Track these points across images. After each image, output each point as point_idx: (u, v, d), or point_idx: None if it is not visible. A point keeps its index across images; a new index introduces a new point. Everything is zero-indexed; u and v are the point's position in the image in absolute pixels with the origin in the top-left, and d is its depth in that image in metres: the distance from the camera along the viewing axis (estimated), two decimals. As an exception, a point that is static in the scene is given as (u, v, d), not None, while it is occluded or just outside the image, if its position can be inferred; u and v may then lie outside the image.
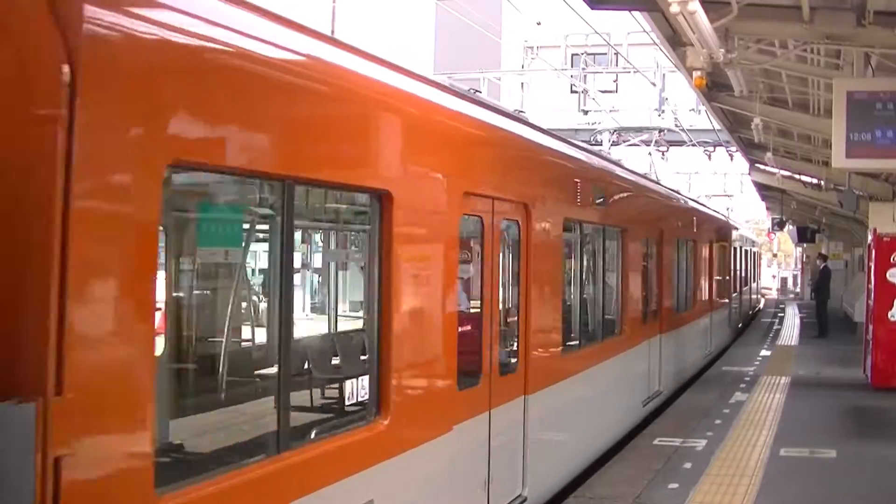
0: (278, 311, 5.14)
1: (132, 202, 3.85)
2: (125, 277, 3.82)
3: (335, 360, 6.90)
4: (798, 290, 57.05)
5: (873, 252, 16.73)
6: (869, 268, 17.36)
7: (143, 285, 3.92)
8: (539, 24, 37.68)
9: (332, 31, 21.36)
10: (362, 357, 6.41)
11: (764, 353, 23.01)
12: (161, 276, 4.56)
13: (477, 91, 9.78)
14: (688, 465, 10.62)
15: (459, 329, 7.05)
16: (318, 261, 7.72)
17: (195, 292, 5.82)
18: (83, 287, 3.59)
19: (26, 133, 3.52)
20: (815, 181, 25.48)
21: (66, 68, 3.50)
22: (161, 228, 4.13)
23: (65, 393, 3.44)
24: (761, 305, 44.86)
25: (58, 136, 3.48)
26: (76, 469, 3.47)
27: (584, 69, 29.83)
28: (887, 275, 16.26)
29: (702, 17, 8.95)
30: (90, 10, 3.65)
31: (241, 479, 4.54)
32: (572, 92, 30.75)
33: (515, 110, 10.66)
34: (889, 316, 16.27)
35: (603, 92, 30.33)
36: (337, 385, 6.42)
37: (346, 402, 6.17)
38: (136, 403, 3.86)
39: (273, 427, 4.97)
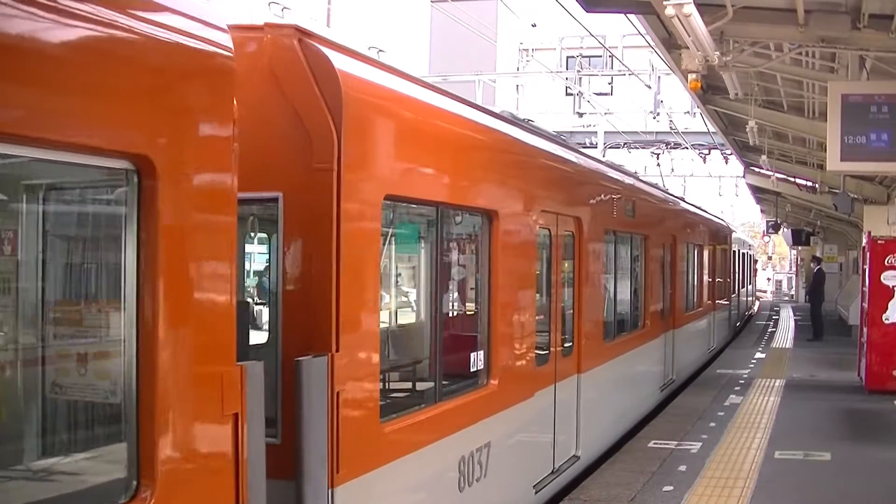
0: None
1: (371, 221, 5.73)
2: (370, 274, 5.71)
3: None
4: (793, 292, 57.14)
5: (868, 255, 16.75)
6: (863, 270, 17.39)
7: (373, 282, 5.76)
8: (534, 26, 37.65)
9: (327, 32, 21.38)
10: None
11: (759, 355, 23.02)
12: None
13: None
14: (683, 468, 10.62)
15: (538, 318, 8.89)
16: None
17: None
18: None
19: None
20: (809, 184, 25.55)
21: None
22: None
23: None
24: (756, 308, 44.90)
25: None
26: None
27: (579, 71, 29.83)
28: (882, 277, 16.28)
29: (697, 19, 8.96)
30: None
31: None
32: (567, 94, 30.78)
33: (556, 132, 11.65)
34: (883, 319, 16.28)
35: (598, 94, 30.37)
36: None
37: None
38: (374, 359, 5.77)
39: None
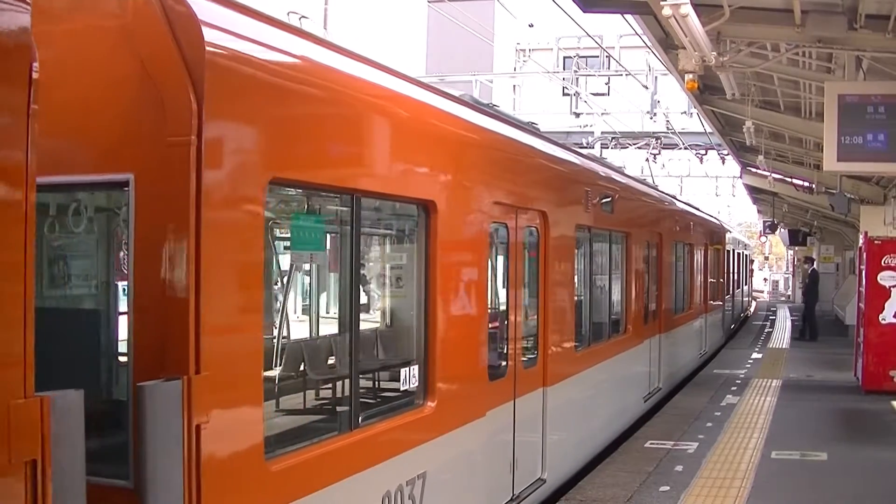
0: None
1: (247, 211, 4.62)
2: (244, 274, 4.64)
3: None
4: (789, 292, 57.19)
5: (864, 255, 16.77)
6: (860, 271, 17.41)
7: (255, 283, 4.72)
8: (531, 26, 37.70)
9: (324, 32, 21.37)
10: None
11: (755, 356, 23.04)
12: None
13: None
14: (679, 468, 10.62)
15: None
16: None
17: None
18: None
19: None
20: (806, 184, 25.55)
21: None
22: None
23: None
24: (752, 309, 44.92)
25: None
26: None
27: (576, 72, 29.83)
28: (878, 278, 16.30)
29: (694, 20, 8.95)
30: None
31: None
32: (564, 94, 30.77)
33: (529, 123, 10.66)
34: (880, 319, 16.30)
35: (595, 94, 30.36)
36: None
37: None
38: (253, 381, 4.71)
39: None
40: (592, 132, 28.56)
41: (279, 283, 6.65)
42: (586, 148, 24.33)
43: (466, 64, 32.27)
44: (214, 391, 4.32)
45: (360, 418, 5.80)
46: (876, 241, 16.62)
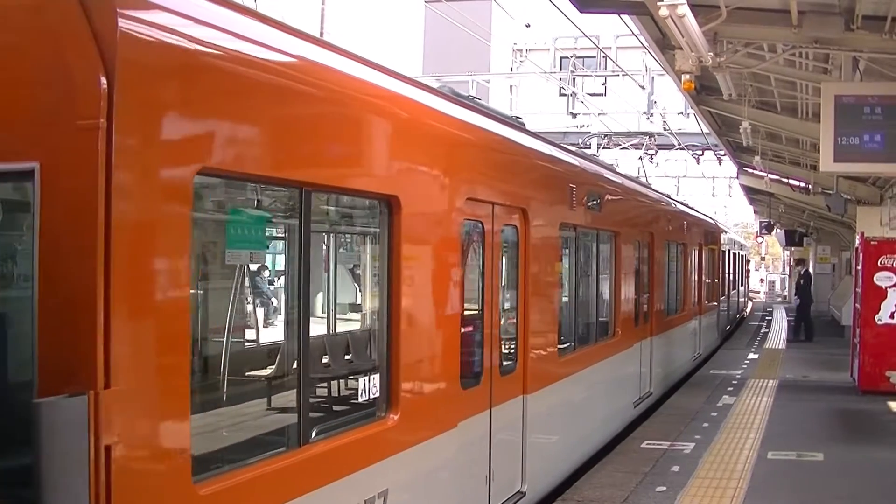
0: None
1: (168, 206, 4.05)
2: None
3: None
4: (786, 293, 57.24)
5: (861, 255, 16.78)
6: (856, 271, 17.42)
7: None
8: (528, 26, 37.72)
9: (321, 33, 21.35)
10: None
11: (752, 356, 23.06)
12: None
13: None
14: (676, 469, 10.62)
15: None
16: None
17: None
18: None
19: None
20: (803, 185, 25.58)
21: None
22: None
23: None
24: (748, 310, 44.92)
25: None
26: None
27: (572, 72, 29.82)
28: (874, 278, 16.32)
29: (691, 20, 8.95)
30: None
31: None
32: (561, 95, 30.76)
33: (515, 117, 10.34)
34: (876, 319, 16.32)
35: (592, 95, 30.36)
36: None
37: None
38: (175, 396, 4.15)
39: None
40: (589, 132, 28.55)
41: (214, 285, 6.05)
42: (584, 148, 24.34)
43: (463, 64, 32.23)
44: (128, 407, 3.82)
45: (312, 433, 5.31)
46: (872, 242, 16.64)
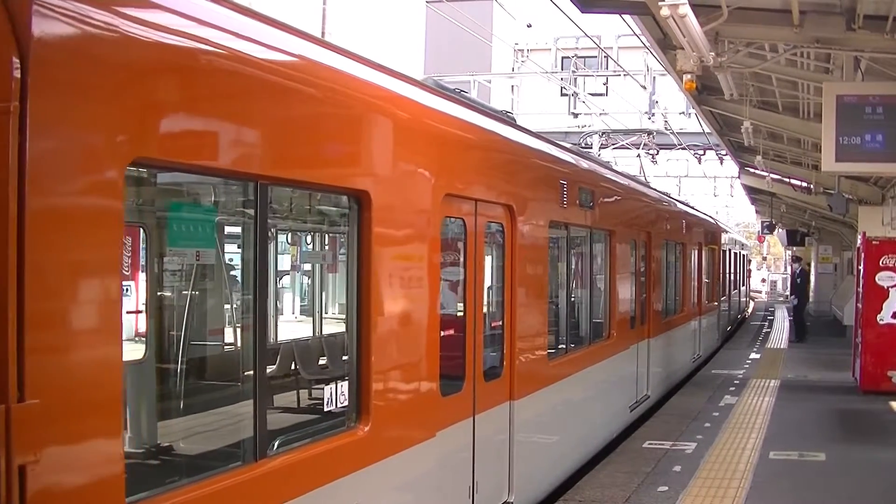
0: None
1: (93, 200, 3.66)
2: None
3: None
4: (787, 292, 57.25)
5: (862, 255, 16.78)
6: (858, 271, 17.41)
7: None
8: (529, 26, 37.70)
9: (323, 33, 21.36)
10: None
11: (753, 356, 23.06)
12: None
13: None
14: (677, 469, 10.62)
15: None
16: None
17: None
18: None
19: None
20: (804, 185, 25.56)
21: None
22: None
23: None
24: (750, 310, 44.85)
25: None
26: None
27: (574, 72, 29.83)
28: (876, 278, 16.32)
29: (692, 20, 8.95)
30: None
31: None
32: (562, 95, 30.77)
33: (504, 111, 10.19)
34: (878, 319, 16.32)
35: (593, 95, 30.36)
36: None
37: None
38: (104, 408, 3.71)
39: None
40: (590, 131, 28.55)
41: (160, 286, 5.64)
42: (586, 148, 24.31)
43: (464, 64, 32.23)
44: (47, 423, 3.44)
45: (273, 445, 4.94)
46: (874, 242, 16.64)
